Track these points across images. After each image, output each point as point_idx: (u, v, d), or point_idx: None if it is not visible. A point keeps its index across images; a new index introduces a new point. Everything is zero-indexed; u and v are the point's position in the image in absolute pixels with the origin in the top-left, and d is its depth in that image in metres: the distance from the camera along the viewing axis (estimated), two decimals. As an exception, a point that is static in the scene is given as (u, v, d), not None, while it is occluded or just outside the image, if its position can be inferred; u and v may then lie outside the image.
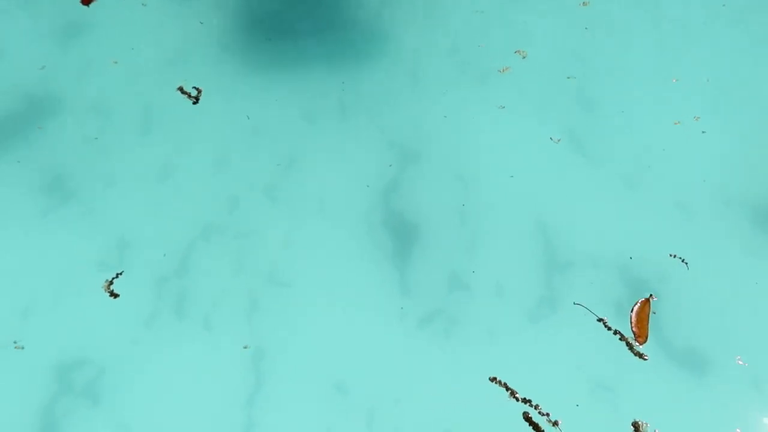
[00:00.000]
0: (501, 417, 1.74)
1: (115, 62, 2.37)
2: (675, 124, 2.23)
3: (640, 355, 1.82)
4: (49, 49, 2.39)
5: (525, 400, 1.75)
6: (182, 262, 1.97)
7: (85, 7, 2.41)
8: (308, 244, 2.03)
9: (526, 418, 1.73)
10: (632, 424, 1.72)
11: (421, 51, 2.45)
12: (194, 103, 2.21)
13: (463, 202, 2.10)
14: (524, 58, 2.41)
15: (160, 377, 1.79)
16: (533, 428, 1.71)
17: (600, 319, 1.87)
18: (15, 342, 1.80)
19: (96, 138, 2.17)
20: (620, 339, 1.84)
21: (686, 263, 1.95)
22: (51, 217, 2.02)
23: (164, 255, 1.97)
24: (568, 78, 2.36)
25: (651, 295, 1.90)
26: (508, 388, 1.77)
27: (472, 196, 2.12)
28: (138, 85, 2.33)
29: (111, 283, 1.91)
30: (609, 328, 1.86)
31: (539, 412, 1.73)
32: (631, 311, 1.87)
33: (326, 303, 1.92)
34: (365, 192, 2.12)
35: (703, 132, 2.19)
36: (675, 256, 1.96)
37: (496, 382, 1.78)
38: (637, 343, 1.83)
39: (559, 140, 2.20)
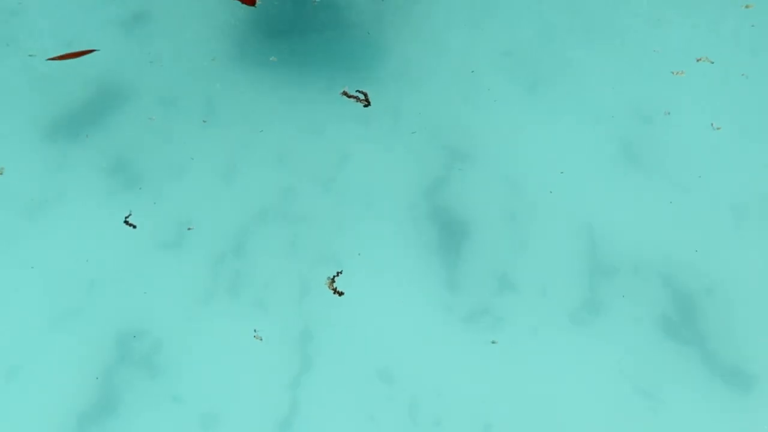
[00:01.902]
0: (541, 412, 1.76)
1: (180, 56, 2.50)
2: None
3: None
4: (118, 39, 2.53)
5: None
6: (238, 245, 2.06)
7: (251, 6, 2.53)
8: (357, 234, 2.09)
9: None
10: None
11: (474, 54, 2.52)
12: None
13: (511, 202, 2.14)
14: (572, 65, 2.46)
15: (212, 353, 1.87)
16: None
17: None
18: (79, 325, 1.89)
19: (151, 119, 2.29)
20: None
21: None
22: (116, 198, 2.13)
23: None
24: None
25: None
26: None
27: (521, 198, 2.16)
28: (202, 79, 2.44)
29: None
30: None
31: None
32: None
33: (373, 291, 1.98)
34: (413, 188, 2.19)
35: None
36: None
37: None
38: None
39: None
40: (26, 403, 1.74)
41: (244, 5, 2.59)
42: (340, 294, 1.96)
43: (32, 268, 1.96)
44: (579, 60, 2.51)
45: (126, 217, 2.08)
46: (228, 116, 2.36)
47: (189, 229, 2.04)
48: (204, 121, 2.28)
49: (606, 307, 1.94)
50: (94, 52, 2.40)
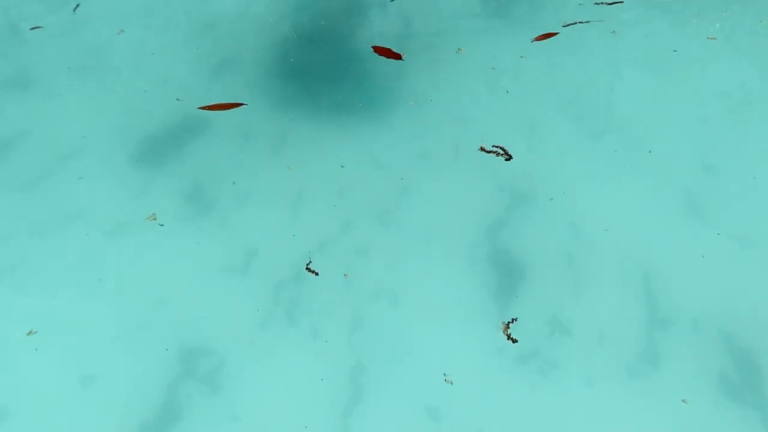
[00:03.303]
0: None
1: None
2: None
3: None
4: (202, 78, 2.73)
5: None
6: (298, 274, 2.15)
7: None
8: (413, 270, 2.15)
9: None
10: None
11: (538, 100, 2.57)
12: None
13: (570, 247, 2.15)
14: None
15: (269, 377, 1.94)
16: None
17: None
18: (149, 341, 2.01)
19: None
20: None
21: None
22: (190, 223, 2.27)
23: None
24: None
25: None
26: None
27: (580, 242, 2.16)
28: (273, 116, 2.60)
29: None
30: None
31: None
32: None
33: (427, 328, 2.02)
34: (472, 227, 2.23)
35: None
36: None
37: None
38: None
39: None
40: (97, 410, 1.86)
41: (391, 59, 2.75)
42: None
43: (109, 284, 2.11)
44: (644, 108, 2.52)
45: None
46: (299, 150, 2.48)
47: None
48: (289, 168, 2.39)
49: (664, 360, 1.91)
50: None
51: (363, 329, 2.02)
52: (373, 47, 2.82)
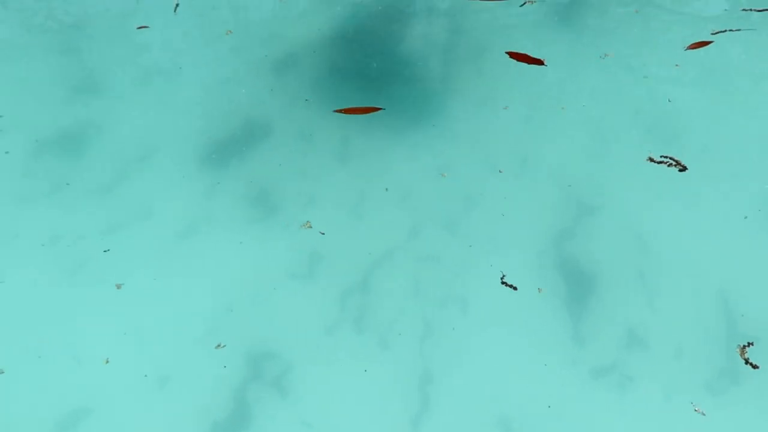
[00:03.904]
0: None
1: (307, 100, 2.68)
2: None
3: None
4: (265, 83, 2.76)
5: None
6: (365, 281, 2.14)
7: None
8: (483, 278, 2.12)
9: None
10: None
11: (605, 112, 2.53)
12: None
13: (639, 259, 2.10)
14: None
15: (338, 383, 1.93)
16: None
17: None
18: (219, 344, 2.03)
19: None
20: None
21: None
22: (256, 227, 2.29)
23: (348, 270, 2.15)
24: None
25: None
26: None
27: (649, 255, 2.11)
28: (337, 121, 2.61)
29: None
30: None
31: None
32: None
33: (497, 337, 1.99)
34: (541, 236, 2.20)
35: None
36: None
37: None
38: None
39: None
40: (171, 410, 1.88)
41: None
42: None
43: (178, 287, 2.13)
44: (716, 117, 2.46)
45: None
46: (361, 155, 2.49)
47: None
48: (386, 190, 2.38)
49: (744, 377, 1.84)
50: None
51: (431, 337, 2.00)
52: (508, 53, 2.76)
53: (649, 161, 2.33)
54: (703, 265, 2.09)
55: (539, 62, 2.67)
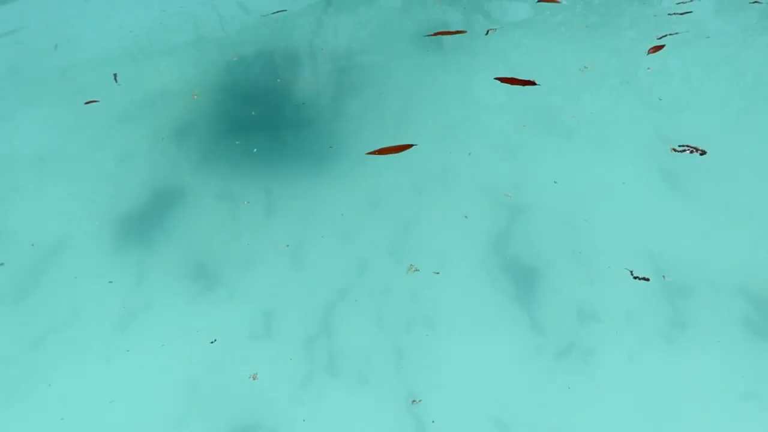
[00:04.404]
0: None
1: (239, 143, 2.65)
2: None
3: None
4: (165, 149, 2.69)
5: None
6: (325, 324, 2.12)
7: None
8: (436, 296, 2.18)
9: None
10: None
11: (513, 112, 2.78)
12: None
13: (572, 242, 2.29)
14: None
15: (329, 429, 1.88)
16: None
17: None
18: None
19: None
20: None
21: None
22: (200, 300, 2.18)
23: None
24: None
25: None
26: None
27: (580, 237, 2.31)
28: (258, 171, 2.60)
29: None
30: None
31: None
32: None
33: (466, 346, 2.05)
34: (479, 244, 2.32)
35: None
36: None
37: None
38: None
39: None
40: None
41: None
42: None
43: (137, 378, 1.97)
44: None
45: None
46: (286, 204, 2.48)
47: None
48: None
49: (692, 322, 2.05)
50: None
51: (406, 361, 2.02)
52: (498, 78, 2.92)
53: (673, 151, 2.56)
54: (627, 233, 2.32)
55: (531, 83, 2.88)
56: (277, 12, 3.63)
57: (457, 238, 2.35)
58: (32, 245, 2.26)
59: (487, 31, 3.33)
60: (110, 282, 2.20)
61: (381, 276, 2.25)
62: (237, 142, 2.74)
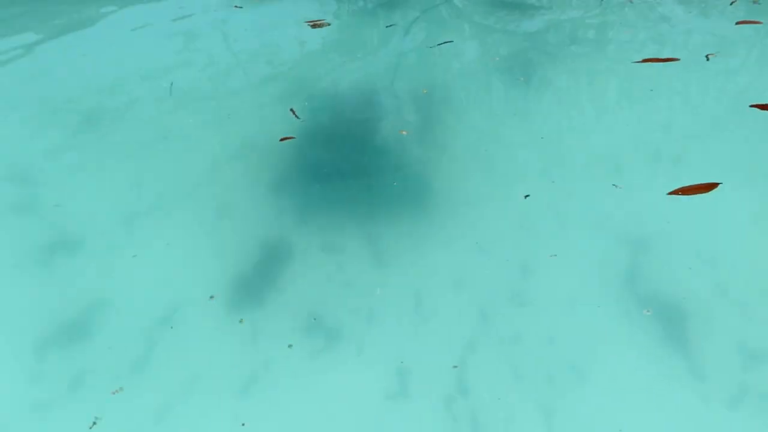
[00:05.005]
0: None
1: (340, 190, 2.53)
2: None
3: None
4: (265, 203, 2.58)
5: None
6: (460, 380, 1.94)
7: None
8: (573, 342, 2.02)
9: None
10: None
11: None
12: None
13: (712, 277, 2.13)
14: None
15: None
16: None
17: None
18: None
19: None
20: None
21: None
22: (323, 359, 2.02)
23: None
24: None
25: None
26: None
27: (722, 271, 2.15)
28: (362, 218, 2.48)
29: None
30: None
31: None
32: None
33: (620, 397, 1.87)
34: (609, 281, 2.17)
35: None
36: None
37: None
38: None
39: None
40: None
41: None
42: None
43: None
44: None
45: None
46: (396, 253, 2.35)
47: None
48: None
49: None
50: None
51: (556, 417, 1.84)
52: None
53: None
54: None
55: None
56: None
57: (582, 277, 2.20)
58: (140, 312, 2.11)
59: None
60: (224, 345, 2.04)
61: (507, 323, 2.09)
62: (337, 189, 2.63)
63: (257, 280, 2.26)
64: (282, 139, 2.77)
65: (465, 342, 2.05)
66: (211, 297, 2.16)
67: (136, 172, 2.74)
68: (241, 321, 2.09)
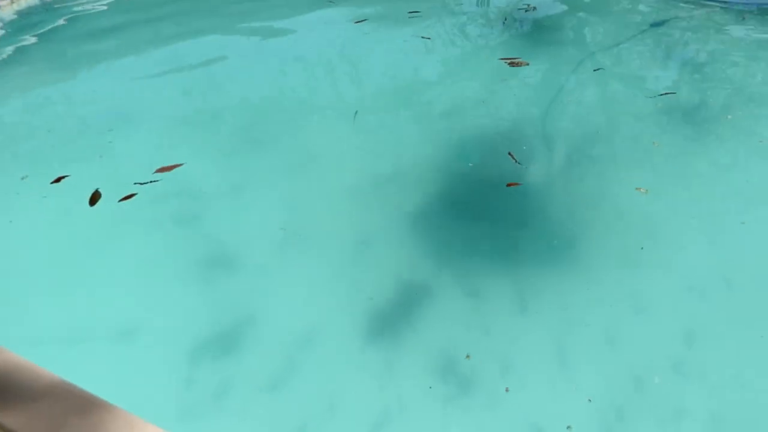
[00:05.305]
0: None
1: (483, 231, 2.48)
2: None
3: None
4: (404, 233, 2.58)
5: None
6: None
7: None
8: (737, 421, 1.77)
9: None
10: None
11: None
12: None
13: None
14: None
15: None
16: None
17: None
18: None
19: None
20: None
21: None
22: (456, 405, 1.94)
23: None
24: None
25: None
26: None
27: None
28: (504, 264, 2.40)
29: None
30: None
31: None
32: None
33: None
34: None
35: None
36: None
37: None
38: None
39: None
40: None
41: None
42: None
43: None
44: None
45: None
46: (540, 300, 2.24)
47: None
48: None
49: None
50: None
51: None
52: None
53: None
54: None
55: None
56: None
57: (754, 350, 1.94)
58: (284, 332, 2.17)
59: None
60: (362, 376, 2.03)
61: (665, 395, 1.88)
62: (481, 230, 2.58)
63: (396, 315, 2.24)
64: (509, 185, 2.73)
65: (614, 408, 1.88)
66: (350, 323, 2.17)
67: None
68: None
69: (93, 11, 5.59)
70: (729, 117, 3.33)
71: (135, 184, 2.87)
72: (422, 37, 4.74)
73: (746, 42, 4.48)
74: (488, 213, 2.68)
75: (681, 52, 4.38)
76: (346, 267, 2.42)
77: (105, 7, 5.69)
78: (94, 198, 2.78)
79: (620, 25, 4.95)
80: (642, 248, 2.41)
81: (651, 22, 4.94)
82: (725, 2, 5.32)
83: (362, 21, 5.15)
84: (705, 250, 2.40)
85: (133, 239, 2.57)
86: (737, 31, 4.73)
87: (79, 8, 5.61)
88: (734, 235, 2.47)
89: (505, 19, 5.15)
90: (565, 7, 5.45)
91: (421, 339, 2.14)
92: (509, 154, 2.99)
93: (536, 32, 4.86)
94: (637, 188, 2.70)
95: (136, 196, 2.80)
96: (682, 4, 5.34)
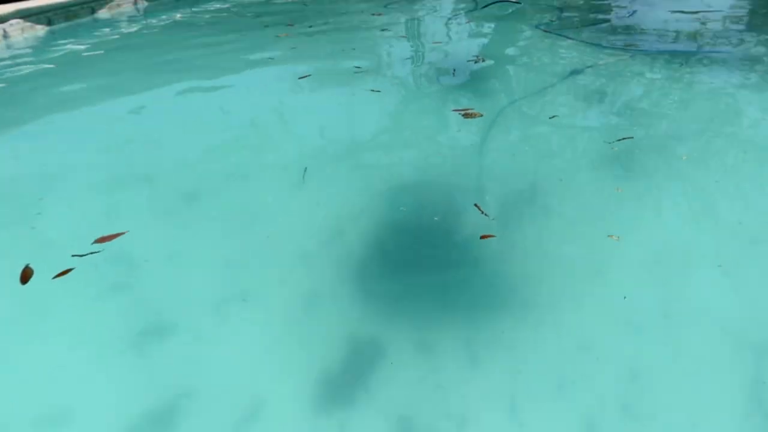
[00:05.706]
0: None
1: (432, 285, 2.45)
2: None
3: None
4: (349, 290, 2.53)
5: None
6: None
7: None
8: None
9: None
10: None
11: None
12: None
13: None
14: None
15: None
16: None
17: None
18: None
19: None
20: None
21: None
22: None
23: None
24: None
25: None
26: None
27: None
28: (454, 316, 2.37)
29: None
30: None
31: None
32: None
33: None
34: (735, 393, 1.95)
35: None
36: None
37: None
38: None
39: None
40: None
41: None
42: None
43: None
44: None
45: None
46: (491, 352, 2.21)
47: None
48: None
49: None
50: None
51: None
52: None
53: None
54: None
55: None
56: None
57: (703, 387, 1.97)
58: (227, 405, 2.06)
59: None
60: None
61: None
62: (430, 284, 2.55)
63: (346, 377, 2.17)
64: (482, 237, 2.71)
65: (570, 459, 1.85)
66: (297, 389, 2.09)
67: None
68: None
69: (19, 73, 5.49)
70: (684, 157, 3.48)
71: (73, 256, 2.75)
72: (372, 90, 4.82)
73: (663, 82, 4.76)
74: (449, 266, 2.67)
75: (612, 95, 4.59)
76: (293, 328, 2.35)
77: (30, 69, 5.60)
78: (26, 275, 2.64)
79: (546, 74, 5.17)
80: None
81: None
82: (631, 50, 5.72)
83: (306, 76, 5.21)
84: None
85: (68, 316, 2.43)
86: (653, 74, 5.04)
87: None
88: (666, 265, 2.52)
89: (454, 71, 5.32)
90: (522, 57, 5.69)
91: (374, 399, 2.07)
92: (475, 205, 3.00)
93: (484, 82, 5.03)
94: (609, 235, 2.74)
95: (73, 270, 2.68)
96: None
